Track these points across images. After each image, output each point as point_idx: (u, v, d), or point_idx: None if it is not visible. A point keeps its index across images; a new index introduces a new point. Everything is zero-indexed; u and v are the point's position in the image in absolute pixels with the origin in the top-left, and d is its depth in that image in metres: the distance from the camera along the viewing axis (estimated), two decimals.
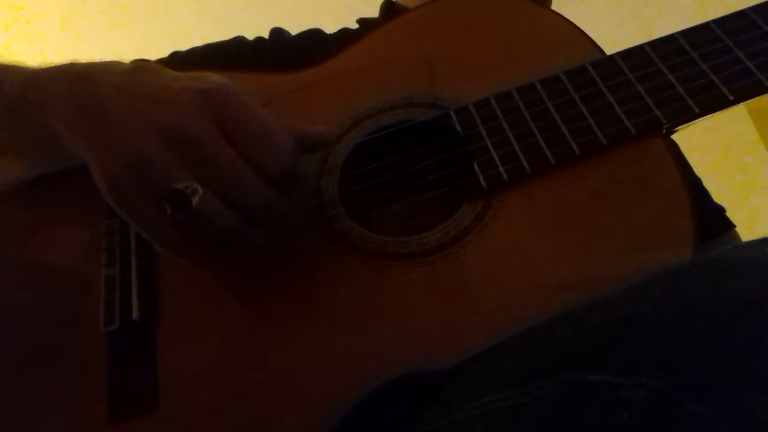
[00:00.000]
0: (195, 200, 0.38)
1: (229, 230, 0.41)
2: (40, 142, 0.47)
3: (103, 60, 0.47)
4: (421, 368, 0.40)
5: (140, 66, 0.45)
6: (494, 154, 0.46)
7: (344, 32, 0.70)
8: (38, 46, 1.79)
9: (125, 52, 0.71)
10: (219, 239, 0.41)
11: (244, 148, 0.40)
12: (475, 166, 0.46)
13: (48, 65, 0.48)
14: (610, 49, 0.50)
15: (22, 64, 0.51)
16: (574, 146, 0.45)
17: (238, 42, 0.70)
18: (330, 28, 0.71)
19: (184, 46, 0.71)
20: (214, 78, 0.42)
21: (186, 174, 0.39)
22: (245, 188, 0.40)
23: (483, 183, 0.46)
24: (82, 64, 0.47)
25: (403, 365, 0.40)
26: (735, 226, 0.60)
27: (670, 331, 0.28)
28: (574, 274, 0.42)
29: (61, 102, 0.44)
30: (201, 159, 0.40)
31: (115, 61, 0.47)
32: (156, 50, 0.70)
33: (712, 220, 0.60)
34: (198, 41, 0.71)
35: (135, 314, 0.46)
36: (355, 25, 0.72)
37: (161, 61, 0.67)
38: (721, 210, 0.62)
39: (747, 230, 0.59)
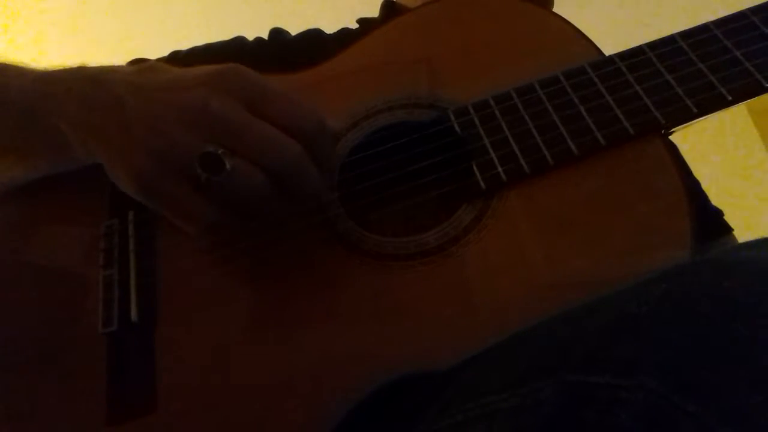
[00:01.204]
0: (227, 162, 0.39)
1: (262, 192, 0.40)
2: (46, 144, 0.48)
3: (105, 63, 0.48)
4: (421, 369, 0.40)
5: (147, 65, 0.45)
6: (493, 155, 0.46)
7: (344, 32, 0.70)
8: (39, 45, 1.79)
9: (126, 52, 0.71)
10: (252, 204, 0.41)
11: (270, 114, 0.40)
12: (474, 167, 0.46)
13: (55, 67, 0.49)
14: (609, 50, 0.50)
15: (28, 66, 0.51)
16: (573, 147, 0.45)
17: (238, 42, 0.70)
18: (330, 28, 0.71)
19: (184, 45, 0.71)
20: (221, 64, 0.43)
21: (214, 146, 0.39)
22: (274, 147, 0.40)
23: (482, 184, 0.46)
24: (92, 67, 0.47)
25: (402, 366, 0.40)
26: (733, 230, 0.60)
27: (670, 332, 0.28)
28: (572, 275, 0.42)
29: (72, 105, 0.44)
30: (226, 130, 0.40)
31: (121, 65, 0.47)
32: (156, 50, 0.70)
33: (710, 223, 0.60)
34: (198, 41, 0.71)
35: (133, 316, 0.46)
36: (355, 25, 0.72)
37: (161, 61, 0.67)
38: (718, 213, 0.62)
39: (747, 230, 0.59)
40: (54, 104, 0.45)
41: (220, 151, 0.39)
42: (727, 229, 0.61)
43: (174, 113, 0.40)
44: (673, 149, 0.46)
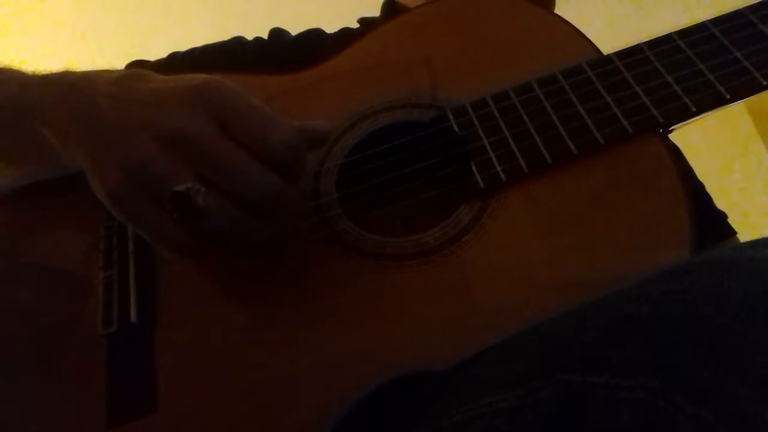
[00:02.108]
0: (199, 199, 0.38)
1: (234, 226, 0.40)
2: (32, 150, 0.47)
3: (97, 67, 0.47)
4: (421, 369, 0.40)
5: (129, 73, 0.45)
6: (492, 155, 0.46)
7: (345, 32, 0.70)
8: (38, 44, 1.79)
9: (125, 53, 0.70)
10: (225, 236, 0.41)
11: (244, 137, 0.40)
12: (473, 167, 0.46)
13: (41, 72, 0.48)
14: (607, 49, 0.50)
15: (16, 69, 0.51)
16: (572, 146, 0.45)
17: (237, 43, 0.69)
18: (331, 28, 0.71)
19: (183, 46, 0.70)
20: (201, 75, 0.42)
21: (187, 173, 0.39)
22: (248, 180, 0.40)
23: (481, 183, 0.46)
24: (74, 73, 0.47)
25: (402, 365, 0.40)
26: (736, 233, 0.60)
27: (670, 332, 0.28)
28: (572, 274, 0.42)
29: (52, 112, 0.44)
30: (201, 156, 0.39)
31: (106, 70, 0.47)
32: (155, 51, 0.70)
33: (714, 225, 0.60)
34: (197, 42, 0.71)
35: (133, 317, 0.46)
36: (356, 25, 0.72)
37: (160, 62, 0.67)
38: (723, 216, 0.62)
39: (747, 230, 0.59)
40: (36, 110, 0.45)
41: (190, 190, 0.37)
42: (732, 232, 0.60)
43: (149, 131, 0.39)
44: (675, 151, 0.46)
